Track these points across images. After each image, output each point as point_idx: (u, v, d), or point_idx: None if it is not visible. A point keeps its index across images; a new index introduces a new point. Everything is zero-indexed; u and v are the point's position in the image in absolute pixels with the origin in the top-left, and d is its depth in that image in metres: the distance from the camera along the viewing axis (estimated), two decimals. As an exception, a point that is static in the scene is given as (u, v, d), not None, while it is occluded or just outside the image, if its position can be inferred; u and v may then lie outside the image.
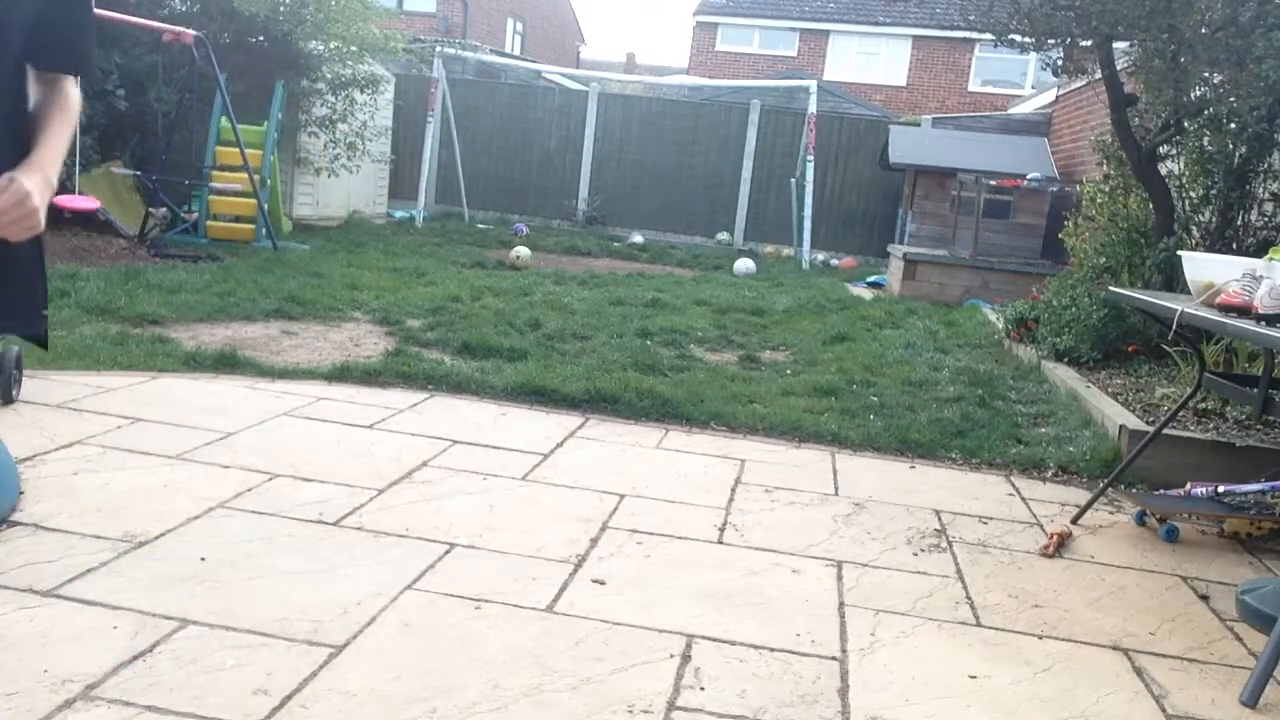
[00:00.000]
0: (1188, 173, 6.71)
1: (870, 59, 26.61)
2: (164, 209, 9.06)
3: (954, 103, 25.19)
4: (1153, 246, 6.54)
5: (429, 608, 2.63)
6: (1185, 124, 6.46)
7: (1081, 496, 4.14)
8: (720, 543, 3.32)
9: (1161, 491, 4.14)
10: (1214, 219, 6.52)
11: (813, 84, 14.09)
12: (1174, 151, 6.88)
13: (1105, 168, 7.82)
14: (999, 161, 12.28)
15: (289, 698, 2.15)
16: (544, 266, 10.40)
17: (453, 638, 2.48)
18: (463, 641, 2.47)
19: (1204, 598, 3.24)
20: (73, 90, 2.11)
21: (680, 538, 3.32)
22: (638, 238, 14.02)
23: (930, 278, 10.43)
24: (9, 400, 3.98)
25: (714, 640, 2.60)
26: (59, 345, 4.93)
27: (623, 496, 3.67)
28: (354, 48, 11.10)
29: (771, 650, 2.58)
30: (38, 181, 1.91)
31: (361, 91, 11.41)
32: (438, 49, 14.48)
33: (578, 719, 2.18)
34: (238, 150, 9.02)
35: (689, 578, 2.99)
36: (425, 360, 5.41)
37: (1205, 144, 6.47)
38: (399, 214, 14.28)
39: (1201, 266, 3.64)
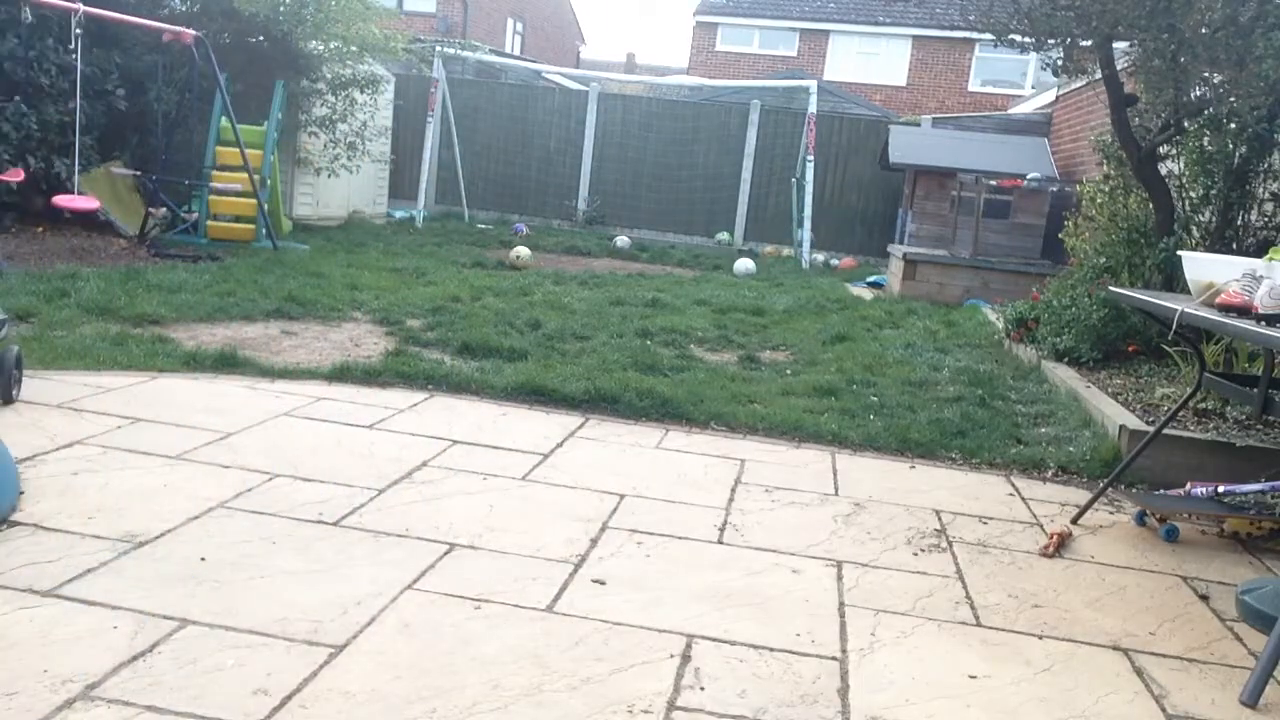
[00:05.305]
0: (1188, 173, 6.71)
1: (870, 59, 26.59)
2: (164, 209, 9.06)
3: (954, 103, 25.17)
4: (1153, 246, 6.54)
5: (429, 608, 2.63)
6: (1185, 124, 6.46)
7: (1081, 496, 4.14)
8: (720, 543, 3.32)
9: (1161, 491, 4.14)
10: (1214, 219, 6.52)
11: (813, 84, 14.09)
12: (1174, 151, 6.88)
13: (1105, 168, 7.81)
14: (999, 161, 12.28)
15: (289, 698, 2.15)
16: (544, 266, 10.40)
17: (453, 638, 2.48)
18: (463, 641, 2.47)
19: (1204, 598, 3.24)
20: None
21: (680, 538, 3.32)
22: (624, 239, 13.99)
23: (930, 278, 10.43)
24: (9, 400, 3.98)
25: (714, 640, 2.60)
26: (59, 345, 4.93)
27: (623, 496, 3.67)
28: (354, 48, 11.11)
29: (771, 650, 2.58)
30: None
31: (361, 91, 11.41)
32: (438, 49, 14.47)
33: (578, 719, 2.18)
34: (238, 150, 9.02)
35: (689, 578, 2.99)
36: (425, 360, 5.41)
37: (1205, 144, 6.46)
38: (399, 214, 14.27)
39: (1201, 266, 3.64)
